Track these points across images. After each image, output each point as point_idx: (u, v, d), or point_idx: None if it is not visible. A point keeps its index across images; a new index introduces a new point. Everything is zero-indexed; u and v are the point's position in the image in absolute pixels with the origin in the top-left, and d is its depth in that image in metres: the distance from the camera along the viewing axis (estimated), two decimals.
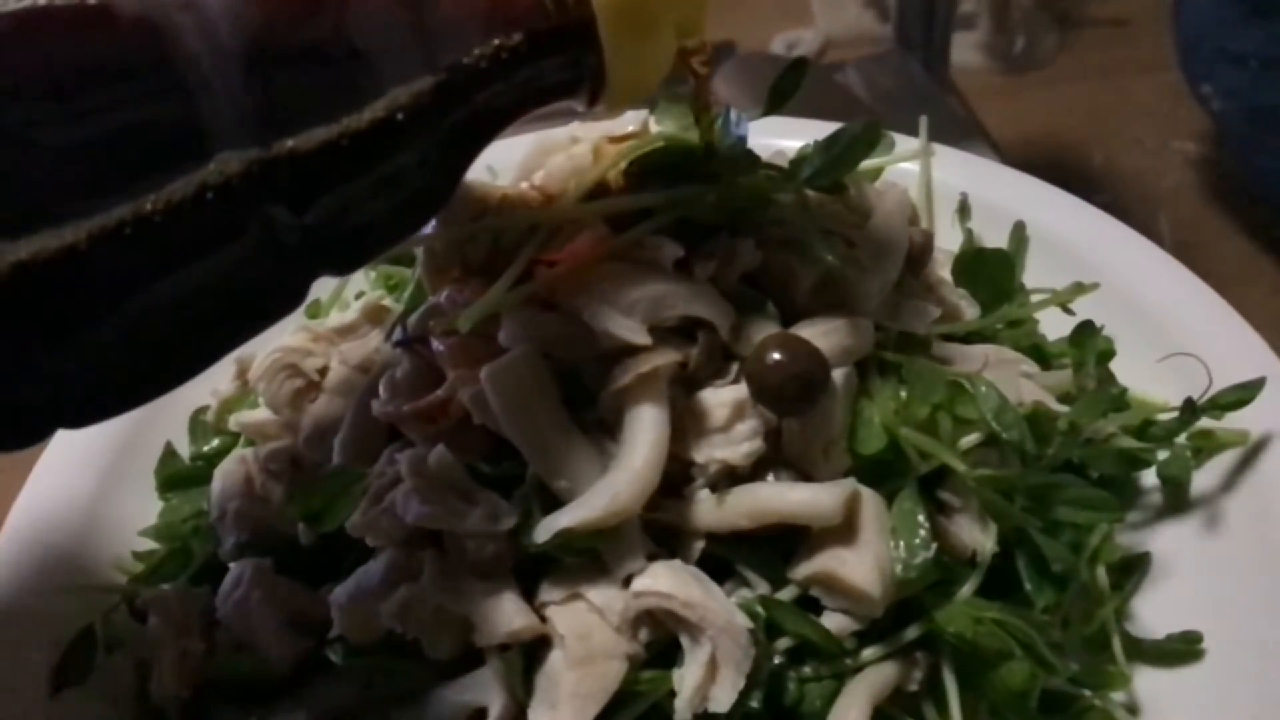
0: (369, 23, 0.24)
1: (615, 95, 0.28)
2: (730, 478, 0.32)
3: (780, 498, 0.32)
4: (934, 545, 0.31)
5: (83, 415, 0.24)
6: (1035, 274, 0.45)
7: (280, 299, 0.26)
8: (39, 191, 0.21)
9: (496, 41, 0.26)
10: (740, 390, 0.32)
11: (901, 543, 0.31)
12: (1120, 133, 1.07)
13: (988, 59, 1.25)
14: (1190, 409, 0.36)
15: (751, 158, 0.35)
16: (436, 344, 0.34)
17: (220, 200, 0.22)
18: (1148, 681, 0.34)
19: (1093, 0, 1.24)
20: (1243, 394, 0.36)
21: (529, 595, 0.32)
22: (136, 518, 0.41)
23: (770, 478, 0.33)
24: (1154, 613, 0.36)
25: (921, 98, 0.97)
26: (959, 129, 0.94)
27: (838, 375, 0.32)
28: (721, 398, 0.32)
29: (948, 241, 0.46)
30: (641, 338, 0.32)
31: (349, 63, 0.24)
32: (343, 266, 0.27)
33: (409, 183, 0.26)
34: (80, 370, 0.23)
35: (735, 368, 0.33)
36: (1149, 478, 0.39)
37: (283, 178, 0.23)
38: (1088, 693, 0.34)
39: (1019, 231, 0.45)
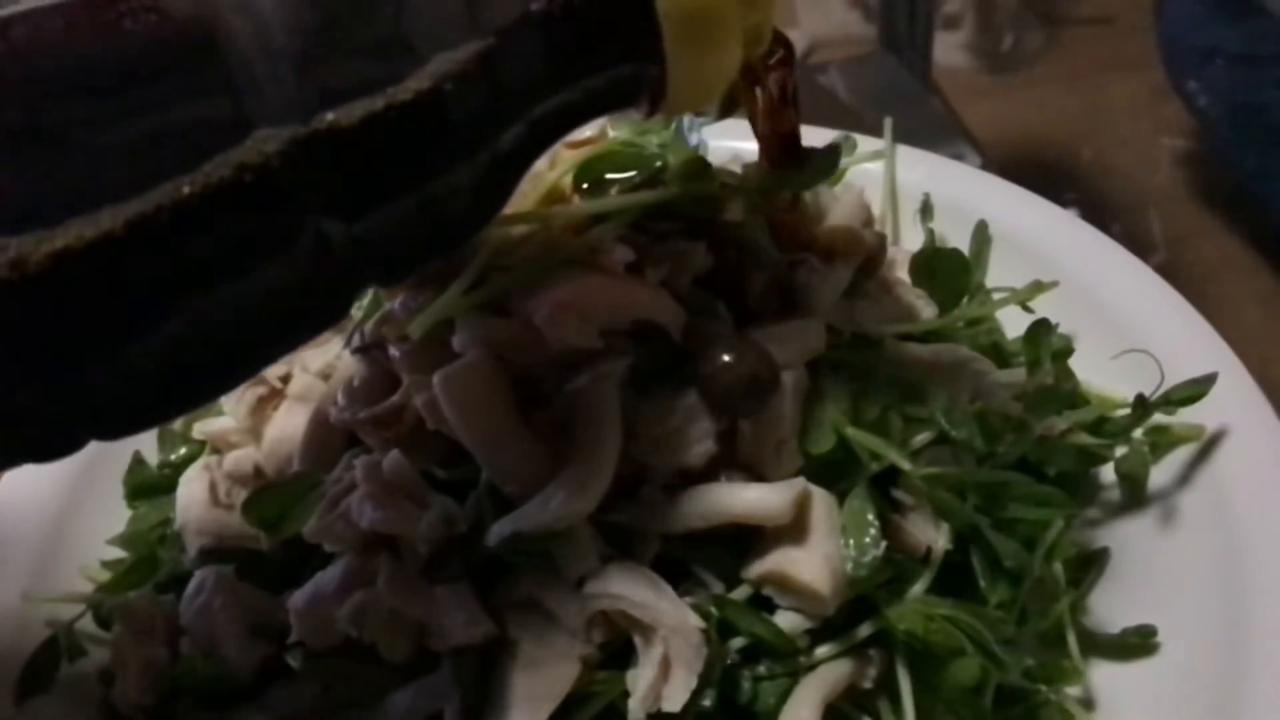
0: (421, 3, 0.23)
1: (675, 105, 0.26)
2: (683, 479, 0.33)
3: (732, 498, 0.32)
4: (883, 543, 0.31)
5: (118, 425, 0.24)
6: (998, 273, 0.45)
7: (327, 308, 0.25)
8: (78, 185, 0.21)
9: (535, 3, 0.24)
10: (692, 392, 0.32)
11: (852, 541, 0.32)
12: (1106, 131, 1.07)
13: (973, 59, 1.25)
14: (1142, 405, 0.36)
15: (704, 166, 0.35)
16: (392, 350, 0.34)
17: (260, 181, 0.22)
18: (1103, 675, 0.35)
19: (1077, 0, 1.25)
20: (1195, 389, 0.36)
21: (484, 598, 0.32)
22: (105, 526, 0.41)
23: (723, 478, 0.33)
24: (1111, 607, 0.36)
25: (904, 99, 0.98)
26: (942, 129, 0.94)
27: (788, 376, 0.32)
28: (673, 400, 0.33)
29: (911, 242, 0.47)
30: (593, 341, 0.32)
31: (396, 40, 0.23)
32: (392, 276, 0.26)
33: (461, 180, 0.24)
34: (118, 375, 0.22)
35: (687, 370, 0.33)
36: (1108, 474, 0.39)
37: (324, 156, 0.22)
38: (1043, 688, 0.34)
39: (981, 231, 0.45)
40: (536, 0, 0.24)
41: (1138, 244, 0.93)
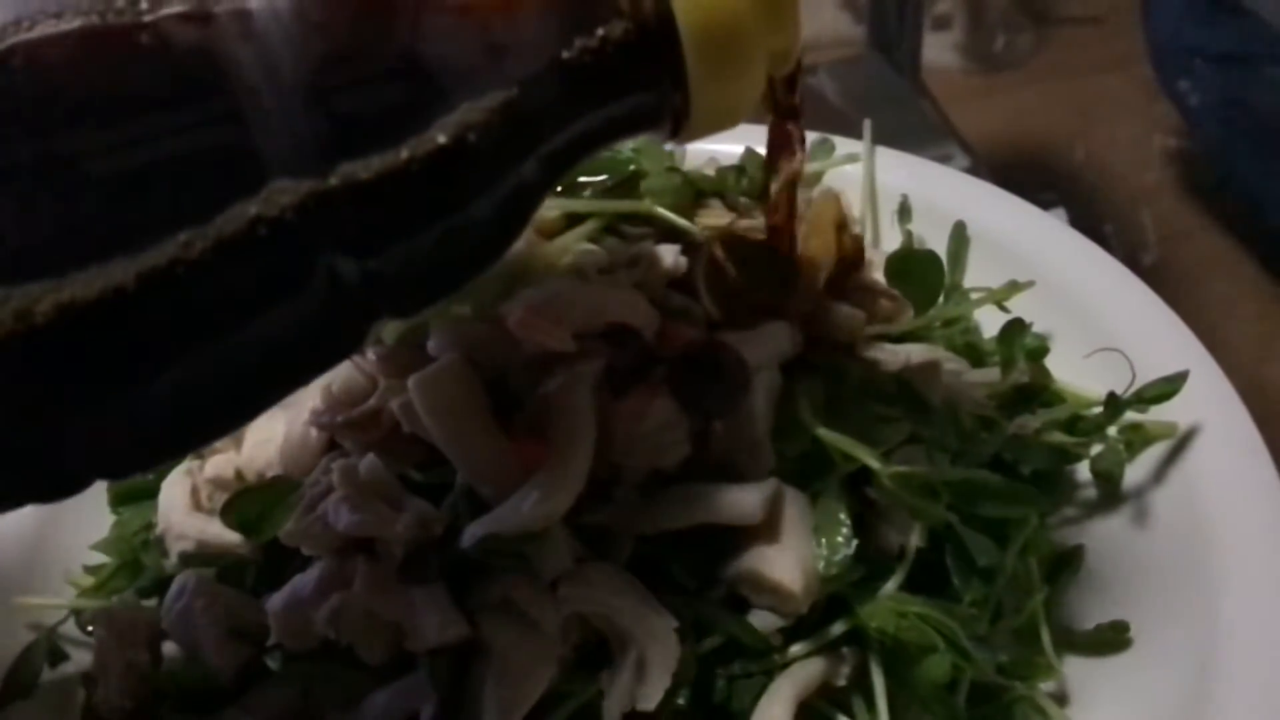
0: (439, 41, 0.23)
1: (698, 129, 0.26)
2: (657, 480, 0.33)
3: (705, 499, 0.32)
4: (855, 542, 0.32)
5: (126, 466, 0.24)
6: (976, 273, 0.45)
7: (340, 344, 0.25)
8: (86, 227, 0.20)
9: (567, 52, 0.23)
10: (665, 394, 0.33)
11: (824, 540, 0.32)
12: (1097, 130, 1.08)
13: (964, 59, 1.26)
14: (1114, 403, 0.36)
15: (677, 172, 0.35)
16: (368, 354, 0.34)
17: (274, 234, 0.21)
18: (1077, 671, 0.35)
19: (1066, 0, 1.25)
20: (1167, 387, 0.36)
21: (460, 600, 0.32)
22: (89, 531, 0.42)
23: (697, 479, 0.33)
24: (1086, 604, 0.37)
25: (894, 100, 0.98)
26: (931, 131, 0.95)
27: (761, 377, 0.33)
28: (647, 401, 0.33)
29: (891, 243, 0.47)
30: (567, 344, 0.32)
31: (416, 84, 0.23)
32: (407, 310, 0.25)
33: (479, 215, 0.24)
34: (126, 420, 0.22)
35: (661, 371, 0.33)
36: (1084, 472, 0.39)
37: (341, 208, 0.22)
38: (1016, 684, 0.34)
39: (959, 232, 0.46)
40: (567, 48, 0.23)
41: (1129, 243, 0.94)
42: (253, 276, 0.22)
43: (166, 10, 0.21)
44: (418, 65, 0.22)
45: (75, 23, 0.21)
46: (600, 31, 0.23)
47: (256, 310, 0.22)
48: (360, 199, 0.22)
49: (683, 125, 0.26)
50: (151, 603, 0.38)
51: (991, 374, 0.38)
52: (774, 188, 0.33)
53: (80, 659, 0.38)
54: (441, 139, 0.22)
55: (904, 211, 0.47)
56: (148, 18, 0.21)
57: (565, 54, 0.23)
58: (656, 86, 0.24)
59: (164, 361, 0.22)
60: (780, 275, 0.34)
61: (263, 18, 0.21)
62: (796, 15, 0.25)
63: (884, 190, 0.49)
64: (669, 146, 0.40)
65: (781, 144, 0.32)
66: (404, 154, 0.22)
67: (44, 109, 0.20)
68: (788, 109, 0.30)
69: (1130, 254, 0.87)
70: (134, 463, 0.24)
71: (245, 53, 0.21)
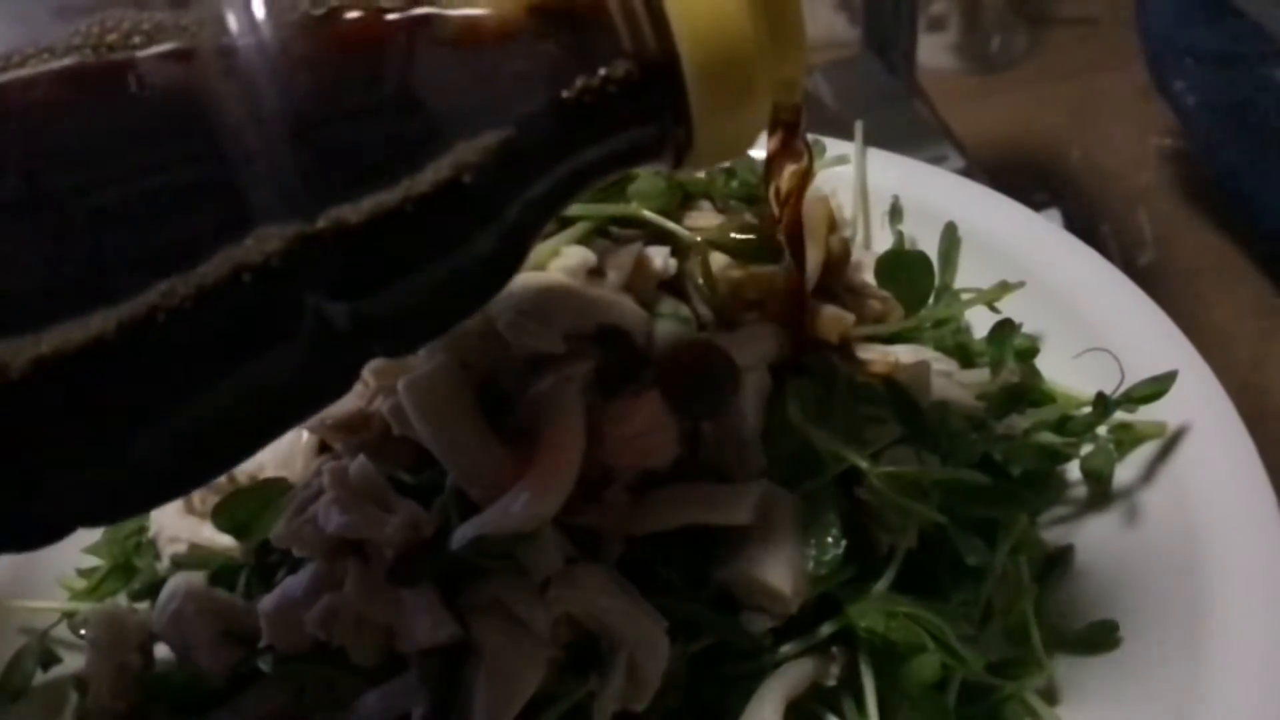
0: (433, 77, 0.22)
1: (701, 159, 0.25)
2: (647, 481, 0.33)
3: (695, 500, 0.32)
4: (844, 543, 0.32)
5: (110, 515, 0.24)
6: (968, 274, 0.45)
7: (331, 386, 0.24)
8: (61, 275, 0.20)
9: (567, 91, 0.22)
10: (655, 395, 0.33)
11: (814, 541, 0.32)
12: (1093, 131, 1.08)
13: (959, 60, 1.26)
14: (1103, 403, 0.36)
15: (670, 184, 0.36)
16: None
17: (260, 280, 0.20)
18: (1067, 670, 0.35)
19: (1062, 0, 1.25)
20: (1156, 387, 0.36)
21: (450, 601, 0.32)
22: (81, 534, 0.42)
23: (687, 480, 0.33)
24: (1076, 603, 0.37)
25: (888, 101, 0.98)
26: (925, 132, 0.95)
27: (750, 378, 0.33)
28: (637, 403, 0.33)
29: (882, 244, 0.47)
30: (557, 346, 0.32)
31: (409, 122, 0.21)
32: (400, 349, 0.25)
33: (474, 254, 0.23)
34: (108, 472, 0.22)
35: (650, 373, 0.34)
36: (1074, 472, 0.39)
37: (330, 252, 0.21)
38: (1006, 683, 0.34)
39: (950, 233, 0.46)
40: (567, 88, 0.22)
41: (1125, 243, 0.94)
42: (238, 324, 0.21)
43: (157, 47, 0.20)
44: (410, 103, 0.21)
45: (65, 60, 0.20)
46: (602, 71, 0.22)
47: (242, 358, 0.22)
48: (350, 242, 0.21)
49: (685, 157, 0.25)
50: (144, 606, 0.38)
51: (981, 374, 0.38)
52: (774, 196, 0.32)
53: (73, 662, 0.38)
54: (436, 180, 0.21)
55: (895, 212, 0.47)
56: (140, 53, 0.20)
57: (565, 93, 0.22)
58: (658, 121, 0.24)
59: (147, 412, 0.21)
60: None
61: (247, 54, 0.20)
62: (803, 42, 0.24)
63: (875, 191, 0.49)
64: None
65: (784, 157, 0.31)
66: (397, 195, 0.21)
67: (23, 150, 0.20)
68: (789, 124, 0.29)
69: (1126, 254, 0.88)
70: (118, 511, 0.24)
71: (228, 90, 0.20)
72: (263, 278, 0.20)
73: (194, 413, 0.22)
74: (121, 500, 0.23)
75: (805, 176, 0.30)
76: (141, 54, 0.20)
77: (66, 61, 0.20)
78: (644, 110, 0.23)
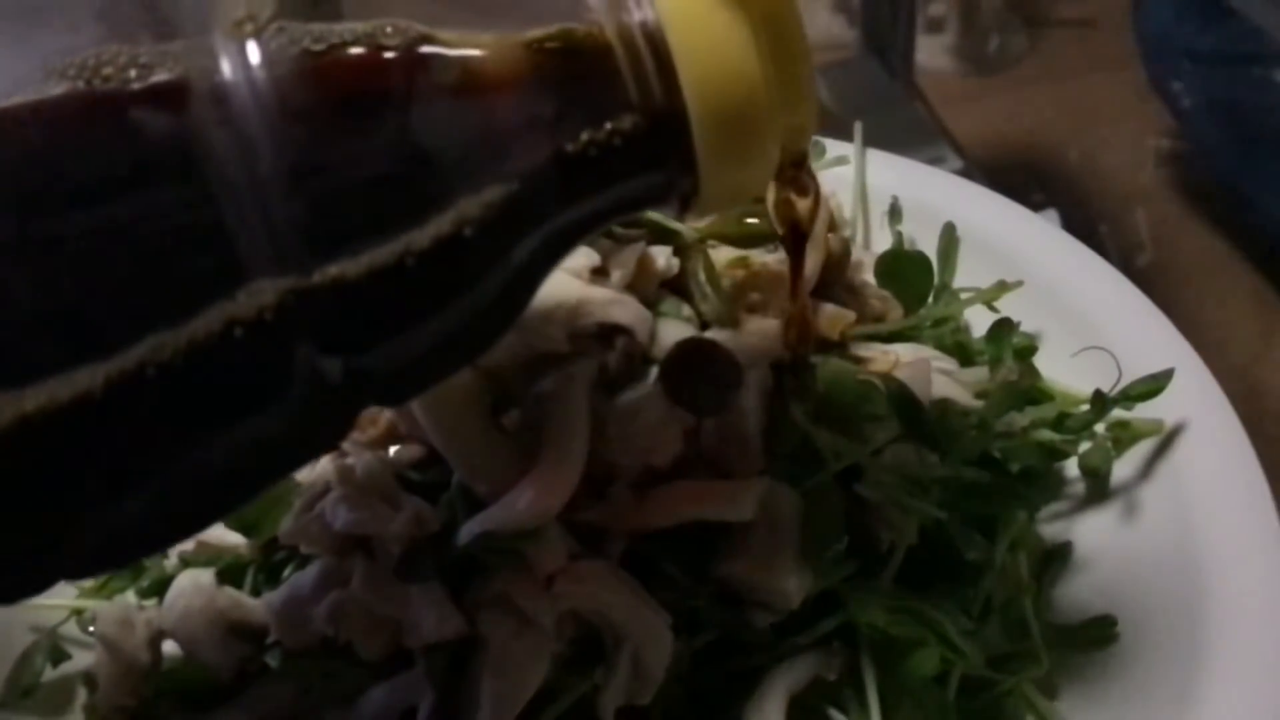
0: (433, 130, 0.21)
1: (708, 207, 0.24)
2: (650, 477, 0.33)
3: (697, 495, 0.33)
4: (845, 539, 0.32)
5: (95, 568, 0.23)
6: (967, 274, 0.46)
7: (325, 438, 0.24)
8: (45, 327, 0.19)
9: (571, 145, 0.22)
10: (658, 393, 0.33)
11: (815, 537, 0.32)
12: (1090, 132, 1.08)
13: (958, 62, 1.26)
14: (1100, 401, 0.37)
15: None
16: None
17: (252, 336, 0.20)
18: (1065, 665, 0.35)
19: (1058, 0, 1.26)
20: (1153, 385, 0.37)
21: (456, 596, 0.32)
22: None
23: (689, 477, 0.34)
24: (1075, 598, 0.37)
25: (887, 102, 0.99)
26: (923, 133, 0.95)
27: (752, 376, 0.33)
28: (640, 400, 0.33)
29: (882, 244, 0.48)
30: (561, 344, 0.33)
31: (408, 176, 0.21)
32: (396, 400, 0.24)
33: (474, 307, 0.22)
34: (94, 530, 0.21)
35: (653, 371, 0.34)
36: (1072, 469, 0.40)
37: (326, 308, 0.20)
38: (1006, 678, 0.34)
39: (949, 233, 0.46)
40: (571, 141, 0.22)
41: (1123, 244, 0.94)
42: (230, 379, 0.20)
43: (150, 88, 0.20)
44: (410, 156, 0.21)
45: (59, 87, 0.19)
46: (608, 125, 0.22)
47: (233, 413, 0.21)
48: (347, 297, 0.20)
49: (691, 204, 0.24)
50: (152, 603, 0.38)
51: (980, 373, 0.39)
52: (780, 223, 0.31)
53: (82, 659, 0.38)
54: (436, 235, 0.21)
55: (894, 213, 0.47)
56: (132, 95, 0.20)
57: (570, 146, 0.22)
58: (663, 171, 0.23)
59: (135, 469, 0.20)
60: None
61: (241, 103, 0.20)
62: (813, 90, 0.24)
63: (874, 192, 0.49)
64: None
65: (791, 191, 0.30)
66: (396, 250, 0.20)
67: (6, 195, 0.19)
68: (796, 161, 0.28)
69: (1123, 254, 0.88)
70: (103, 565, 0.23)
71: (222, 140, 0.19)
72: (255, 332, 0.20)
73: (183, 469, 0.21)
74: (107, 555, 0.22)
75: (814, 209, 0.29)
76: (134, 95, 0.20)
77: (56, 100, 0.19)
78: (649, 162, 0.23)
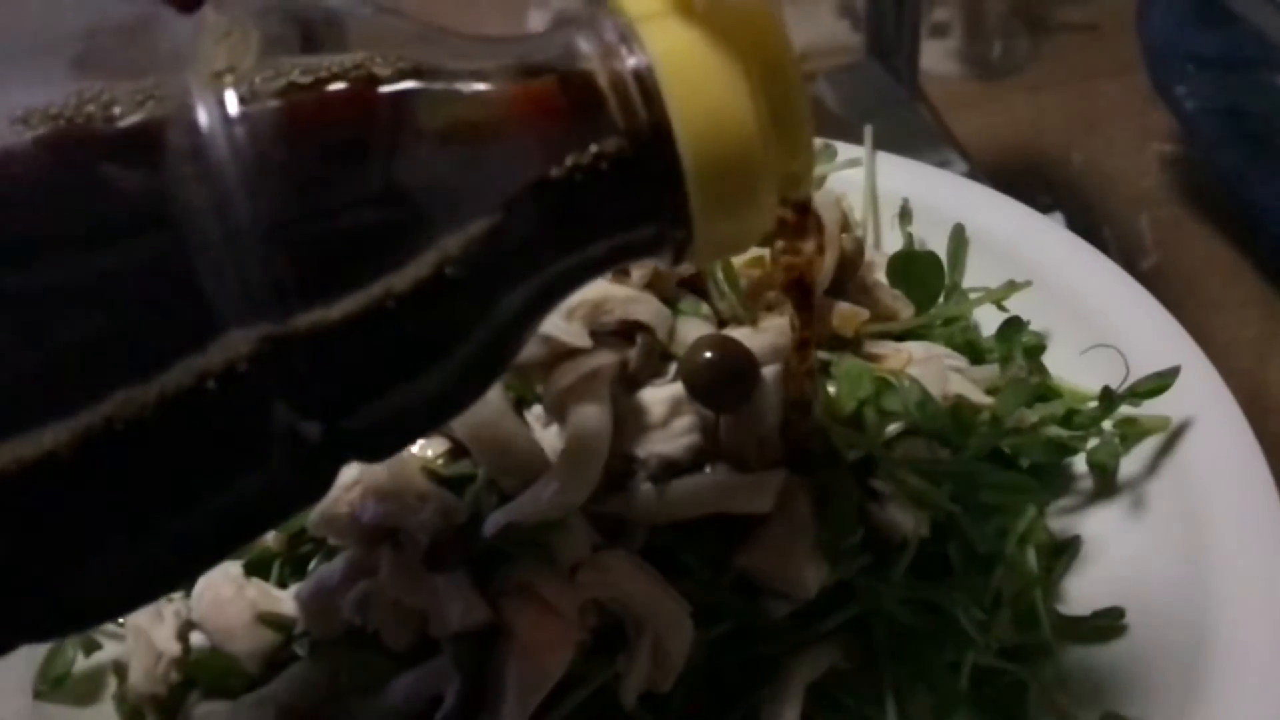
0: (417, 173, 0.20)
1: (703, 258, 0.23)
2: (670, 471, 0.34)
3: (716, 489, 0.34)
4: (860, 531, 0.33)
5: (62, 632, 0.23)
6: (975, 274, 0.46)
7: (304, 495, 0.23)
8: (12, 387, 0.18)
9: (556, 169, 0.21)
10: (677, 388, 0.34)
11: (831, 529, 0.33)
12: (1095, 136, 1.09)
13: (962, 66, 1.27)
14: (1108, 398, 0.38)
15: None
16: None
17: (225, 390, 0.19)
18: (1074, 656, 0.36)
19: (1063, 5, 1.27)
20: (1160, 382, 0.38)
21: (482, 586, 0.33)
22: None
23: (708, 470, 0.34)
24: (1083, 592, 0.38)
25: (892, 106, 1.00)
26: (928, 137, 0.96)
27: (769, 373, 0.34)
28: (660, 396, 0.34)
29: (892, 245, 0.48)
30: (583, 341, 0.34)
31: (389, 220, 0.20)
32: (379, 456, 0.23)
33: (457, 360, 0.21)
34: (60, 595, 0.20)
35: (672, 367, 0.35)
36: (1081, 465, 0.41)
37: (300, 358, 0.19)
38: (1017, 668, 0.35)
39: (959, 234, 0.47)
40: (560, 187, 0.21)
41: (1127, 247, 0.95)
42: (202, 435, 0.19)
43: (129, 128, 0.19)
44: (392, 201, 0.20)
45: (29, 136, 0.19)
46: (599, 172, 0.21)
47: (207, 470, 0.20)
48: (325, 348, 0.19)
49: (685, 254, 0.23)
50: (180, 594, 0.39)
51: (991, 370, 0.40)
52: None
53: (112, 649, 0.39)
54: (417, 277, 0.20)
55: (905, 214, 0.48)
56: (109, 136, 0.19)
57: (559, 193, 0.21)
58: (655, 220, 0.22)
59: (105, 531, 0.20)
60: None
61: (218, 158, 0.19)
62: (810, 137, 0.23)
63: (885, 194, 0.50)
64: None
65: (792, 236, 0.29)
66: (375, 294, 0.19)
67: None
68: (799, 207, 0.28)
69: (1128, 257, 0.88)
70: (72, 629, 0.23)
71: (199, 194, 0.19)
72: (229, 386, 0.19)
73: (157, 528, 0.20)
74: (75, 618, 0.22)
75: (819, 259, 0.29)
76: (107, 146, 0.19)
77: (25, 149, 0.19)
78: (640, 212, 0.22)
